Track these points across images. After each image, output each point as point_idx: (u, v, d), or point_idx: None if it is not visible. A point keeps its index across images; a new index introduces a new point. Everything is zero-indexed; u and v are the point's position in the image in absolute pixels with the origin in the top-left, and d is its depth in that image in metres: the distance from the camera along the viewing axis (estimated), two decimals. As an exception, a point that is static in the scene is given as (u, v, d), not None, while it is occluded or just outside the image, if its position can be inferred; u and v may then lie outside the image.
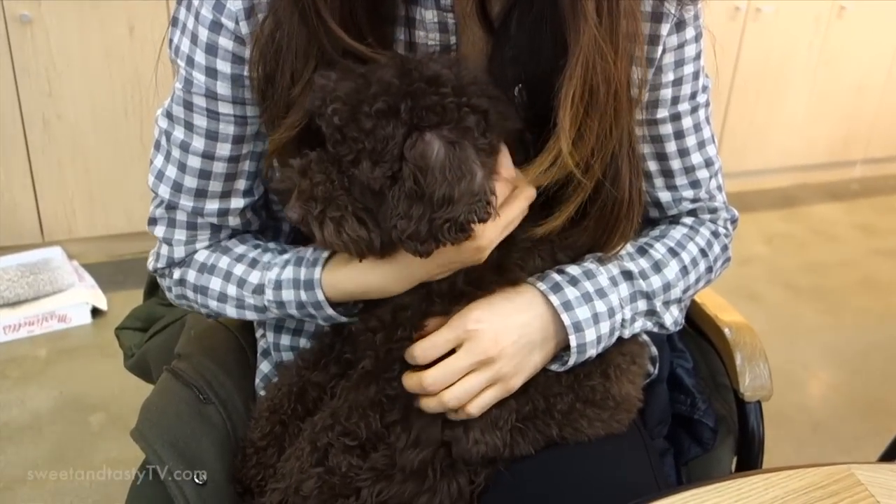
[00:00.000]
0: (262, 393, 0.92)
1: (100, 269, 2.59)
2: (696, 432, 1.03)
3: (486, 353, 0.77)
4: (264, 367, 0.95)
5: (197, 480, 0.81)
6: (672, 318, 0.88)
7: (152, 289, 1.20)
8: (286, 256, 0.84)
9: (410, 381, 0.79)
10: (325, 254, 0.81)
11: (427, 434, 0.80)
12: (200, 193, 0.83)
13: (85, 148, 2.52)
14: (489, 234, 0.74)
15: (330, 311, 0.81)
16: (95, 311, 2.39)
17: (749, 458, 1.01)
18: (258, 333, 0.97)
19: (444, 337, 0.78)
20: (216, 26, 0.76)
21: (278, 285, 0.82)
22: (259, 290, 0.84)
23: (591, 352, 0.81)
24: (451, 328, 0.78)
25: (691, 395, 1.03)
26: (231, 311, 0.86)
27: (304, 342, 0.93)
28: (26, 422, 1.97)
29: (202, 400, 0.89)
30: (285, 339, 0.93)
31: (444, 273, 0.78)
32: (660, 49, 0.80)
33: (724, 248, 0.93)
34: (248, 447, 0.87)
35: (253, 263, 0.85)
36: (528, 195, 0.77)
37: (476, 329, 0.77)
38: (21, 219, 2.53)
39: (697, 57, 0.83)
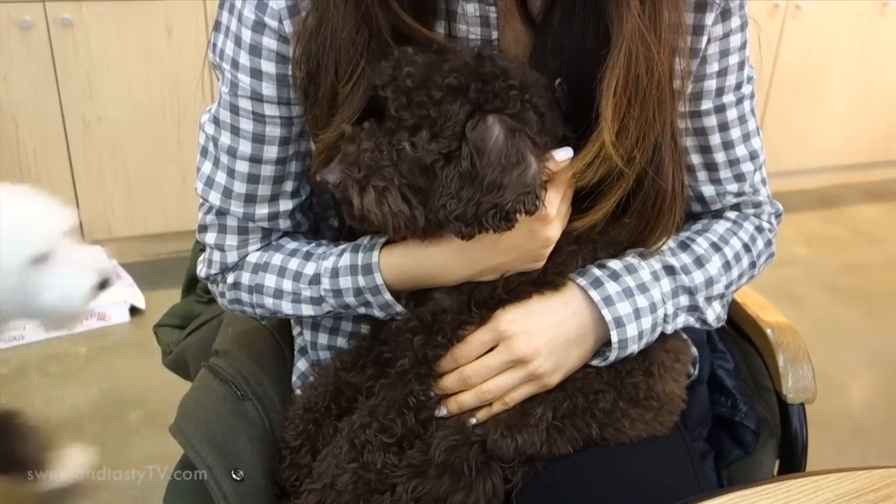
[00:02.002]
0: (299, 391, 0.92)
1: (138, 268, 2.62)
2: (737, 435, 1.01)
3: (518, 353, 0.78)
4: (301, 364, 0.95)
5: (235, 476, 0.81)
6: (714, 313, 0.87)
7: (190, 286, 1.21)
8: (342, 246, 0.84)
9: (450, 378, 0.80)
10: (382, 239, 0.81)
11: (458, 423, 0.81)
12: (250, 199, 0.83)
13: (124, 149, 2.56)
14: (556, 230, 0.77)
15: (388, 296, 0.81)
16: (134, 310, 2.42)
17: (792, 462, 0.99)
18: (295, 331, 0.98)
19: (479, 339, 0.79)
20: (259, 26, 0.76)
21: (335, 273, 0.82)
22: (315, 280, 0.83)
23: (633, 347, 0.80)
24: (485, 330, 0.79)
25: (732, 397, 1.02)
26: (287, 308, 0.86)
27: (341, 341, 0.93)
28: (67, 418, 2.01)
29: (240, 396, 0.90)
30: (322, 338, 0.93)
31: (505, 266, 0.79)
32: (704, 39, 0.79)
33: (768, 243, 0.91)
34: (284, 448, 0.87)
35: (307, 256, 0.85)
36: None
37: (509, 331, 0.78)
38: (62, 218, 2.58)
39: (743, 47, 0.82)
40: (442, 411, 0.81)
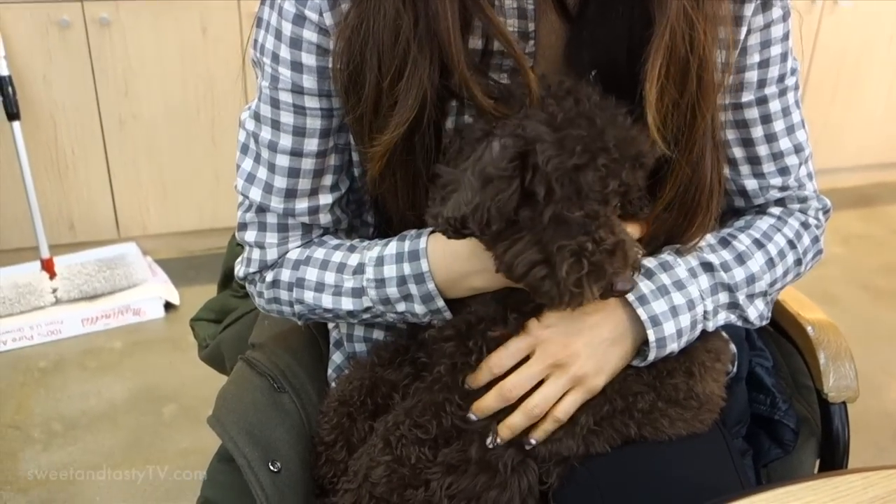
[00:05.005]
0: (334, 385, 0.92)
1: (172, 264, 2.66)
2: (776, 433, 1.00)
3: (556, 357, 0.77)
4: (337, 357, 0.96)
5: (272, 468, 0.82)
6: (757, 311, 0.85)
7: (226, 282, 1.22)
8: (388, 238, 0.84)
9: (489, 396, 0.79)
10: (430, 229, 0.81)
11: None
12: (290, 193, 0.83)
13: (159, 146, 2.59)
14: None
15: (431, 286, 0.80)
16: (168, 306, 2.45)
17: (833, 462, 0.97)
18: (331, 324, 0.98)
19: (514, 346, 0.78)
20: (300, 19, 0.77)
21: (380, 261, 0.82)
22: (359, 269, 0.83)
23: (673, 346, 0.78)
24: (520, 338, 0.79)
25: (771, 395, 1.00)
26: (327, 301, 0.85)
27: (377, 333, 0.93)
28: (103, 411, 2.04)
29: (276, 389, 0.90)
30: (358, 330, 0.93)
31: None
32: (744, 30, 0.78)
33: (815, 240, 0.89)
34: (318, 444, 0.87)
35: (352, 248, 0.85)
36: None
37: (545, 334, 0.78)
38: (98, 215, 2.62)
39: (785, 38, 0.80)
40: (495, 440, 0.79)
